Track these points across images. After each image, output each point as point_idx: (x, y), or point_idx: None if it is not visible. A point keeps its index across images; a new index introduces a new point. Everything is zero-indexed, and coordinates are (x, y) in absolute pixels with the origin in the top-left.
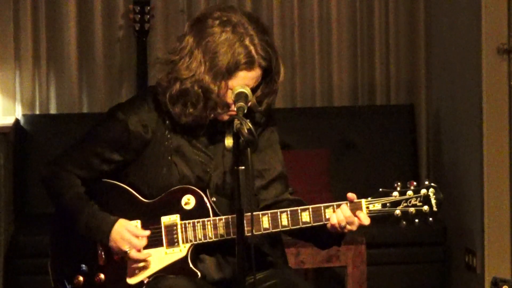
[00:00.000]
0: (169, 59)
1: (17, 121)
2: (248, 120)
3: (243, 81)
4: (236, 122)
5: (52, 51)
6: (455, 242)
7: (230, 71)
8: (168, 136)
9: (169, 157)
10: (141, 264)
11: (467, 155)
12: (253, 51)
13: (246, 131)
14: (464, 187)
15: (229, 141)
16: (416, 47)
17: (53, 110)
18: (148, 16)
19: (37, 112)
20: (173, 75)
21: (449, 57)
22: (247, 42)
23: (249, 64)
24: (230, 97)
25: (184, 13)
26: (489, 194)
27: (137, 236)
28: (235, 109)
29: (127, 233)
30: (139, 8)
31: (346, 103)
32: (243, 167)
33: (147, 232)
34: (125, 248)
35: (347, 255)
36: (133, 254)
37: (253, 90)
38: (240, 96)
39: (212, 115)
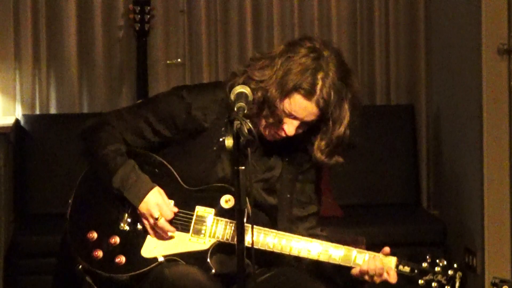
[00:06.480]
0: (255, 56)
1: (17, 121)
2: (248, 120)
3: (295, 107)
4: (236, 122)
5: (52, 51)
6: (455, 242)
7: (290, 91)
8: (224, 133)
9: (217, 153)
10: (161, 241)
11: (467, 155)
12: (318, 86)
13: (246, 131)
14: (464, 187)
15: (229, 141)
16: (416, 47)
17: (53, 110)
18: (148, 16)
19: (37, 112)
20: (246, 69)
21: (449, 57)
22: (319, 76)
23: (308, 93)
24: (282, 116)
25: (184, 13)
26: (489, 194)
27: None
28: (235, 109)
29: (162, 201)
30: (139, 8)
31: None
32: (243, 167)
33: (176, 209)
34: (156, 214)
35: None
36: (162, 222)
37: (305, 128)
38: (240, 96)
39: (261, 127)
